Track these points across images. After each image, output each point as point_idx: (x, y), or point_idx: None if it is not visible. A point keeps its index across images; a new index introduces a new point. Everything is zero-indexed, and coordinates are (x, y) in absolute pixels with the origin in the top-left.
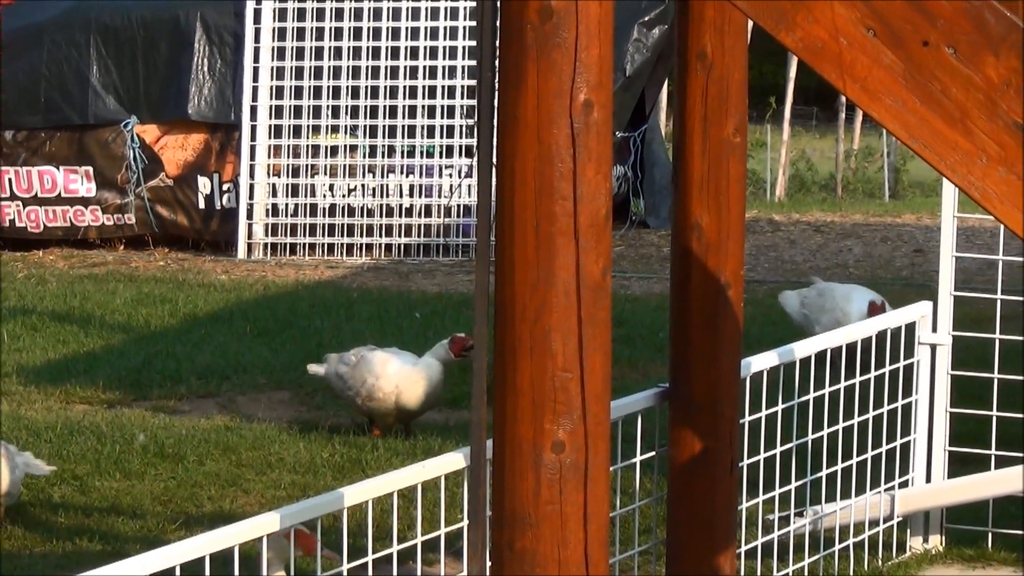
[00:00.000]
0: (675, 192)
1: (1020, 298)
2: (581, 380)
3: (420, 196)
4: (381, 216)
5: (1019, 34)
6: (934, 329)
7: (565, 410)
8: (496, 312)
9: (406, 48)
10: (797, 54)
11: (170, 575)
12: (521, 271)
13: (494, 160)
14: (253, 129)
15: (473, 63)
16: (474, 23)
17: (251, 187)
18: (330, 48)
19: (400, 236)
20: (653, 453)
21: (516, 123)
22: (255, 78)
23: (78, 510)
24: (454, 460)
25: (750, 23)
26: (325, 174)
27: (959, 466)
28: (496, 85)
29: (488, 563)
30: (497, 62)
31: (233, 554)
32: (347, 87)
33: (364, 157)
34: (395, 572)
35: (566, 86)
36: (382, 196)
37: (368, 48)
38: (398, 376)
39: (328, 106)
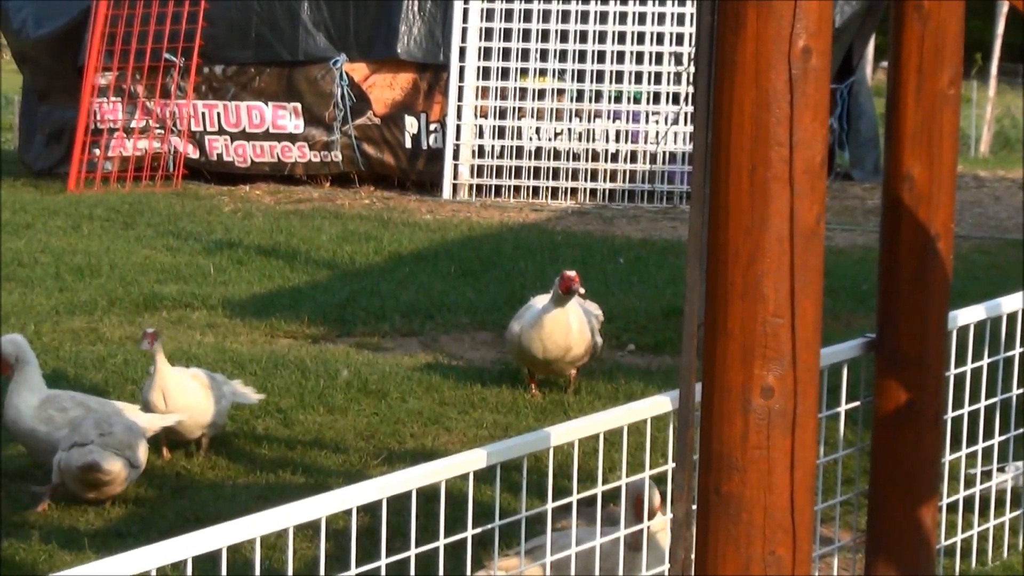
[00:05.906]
0: (887, 142)
1: None
2: (792, 326)
3: (626, 142)
4: (586, 161)
5: None
6: None
7: (775, 356)
8: (709, 256)
9: None
10: None
11: (376, 508)
12: (735, 216)
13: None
14: (461, 70)
15: (683, 10)
16: None
17: (458, 128)
18: None
19: (605, 181)
20: (858, 403)
21: (734, 68)
22: (465, 19)
23: (281, 443)
24: (661, 403)
25: None
26: (532, 117)
27: None
28: (715, 30)
29: (694, 507)
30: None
31: (440, 490)
32: (556, 31)
33: (571, 101)
34: (599, 514)
35: (785, 32)
36: (588, 141)
37: None
38: (527, 319)
39: (537, 49)
